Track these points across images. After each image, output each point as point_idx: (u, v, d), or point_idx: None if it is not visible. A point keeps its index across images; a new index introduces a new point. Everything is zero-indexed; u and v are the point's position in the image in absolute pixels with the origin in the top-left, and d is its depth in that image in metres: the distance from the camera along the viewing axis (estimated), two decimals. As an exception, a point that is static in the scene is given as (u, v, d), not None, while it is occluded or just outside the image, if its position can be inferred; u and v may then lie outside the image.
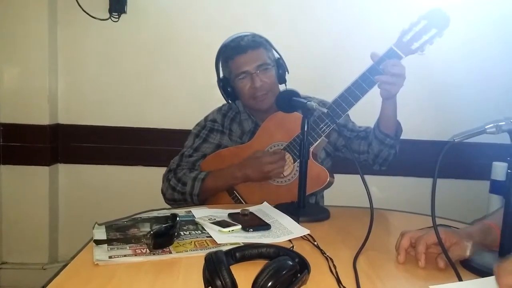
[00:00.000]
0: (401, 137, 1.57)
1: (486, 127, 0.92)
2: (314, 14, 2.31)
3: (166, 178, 1.66)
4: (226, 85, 1.69)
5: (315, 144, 1.48)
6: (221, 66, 1.71)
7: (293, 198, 1.35)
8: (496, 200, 2.16)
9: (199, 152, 1.69)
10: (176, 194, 1.61)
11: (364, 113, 1.61)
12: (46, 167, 2.27)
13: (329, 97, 1.66)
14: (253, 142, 1.61)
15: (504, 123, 0.91)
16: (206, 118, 1.76)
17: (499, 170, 2.13)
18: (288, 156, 1.53)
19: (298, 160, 1.46)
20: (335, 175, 1.56)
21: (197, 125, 1.77)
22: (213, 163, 1.64)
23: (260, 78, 1.60)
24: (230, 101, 1.73)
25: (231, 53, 1.63)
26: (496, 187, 2.16)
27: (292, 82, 1.71)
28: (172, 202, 1.65)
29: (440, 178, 0.87)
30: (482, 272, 0.92)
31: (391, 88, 1.37)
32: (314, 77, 2.22)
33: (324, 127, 1.46)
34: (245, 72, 1.61)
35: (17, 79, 2.23)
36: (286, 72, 1.70)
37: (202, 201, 1.62)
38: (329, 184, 1.51)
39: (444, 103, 2.36)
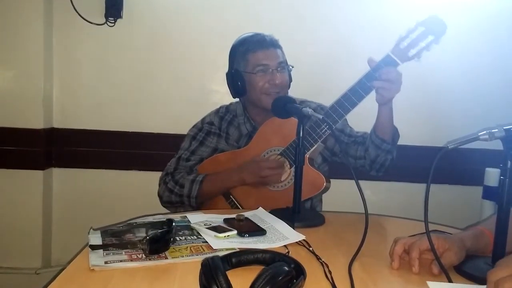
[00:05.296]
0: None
1: (479, 134, 0.92)
2: (309, 20, 2.33)
3: (163, 181, 1.66)
4: (236, 79, 1.63)
5: (312, 150, 1.48)
6: (236, 58, 1.66)
7: (289, 204, 1.35)
8: (489, 206, 2.18)
9: (196, 156, 1.69)
10: (174, 197, 1.61)
11: (362, 119, 1.62)
12: (40, 171, 2.26)
13: (325, 103, 1.68)
14: (250, 147, 1.62)
15: (496, 130, 0.92)
16: (203, 120, 1.76)
17: (491, 176, 2.15)
18: (285, 161, 1.54)
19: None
20: (331, 180, 1.56)
21: (193, 126, 1.76)
22: (210, 168, 1.64)
23: (279, 75, 1.60)
24: (235, 96, 1.70)
25: (254, 46, 1.61)
26: (489, 193, 2.18)
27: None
28: (169, 205, 1.66)
29: (434, 183, 0.88)
30: (475, 277, 0.93)
31: (387, 93, 1.39)
32: (310, 83, 2.22)
33: (321, 133, 1.47)
34: (266, 66, 1.59)
35: (12, 82, 2.22)
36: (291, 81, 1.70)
37: (199, 204, 1.62)
38: (326, 189, 1.51)
39: (438, 110, 2.38)
